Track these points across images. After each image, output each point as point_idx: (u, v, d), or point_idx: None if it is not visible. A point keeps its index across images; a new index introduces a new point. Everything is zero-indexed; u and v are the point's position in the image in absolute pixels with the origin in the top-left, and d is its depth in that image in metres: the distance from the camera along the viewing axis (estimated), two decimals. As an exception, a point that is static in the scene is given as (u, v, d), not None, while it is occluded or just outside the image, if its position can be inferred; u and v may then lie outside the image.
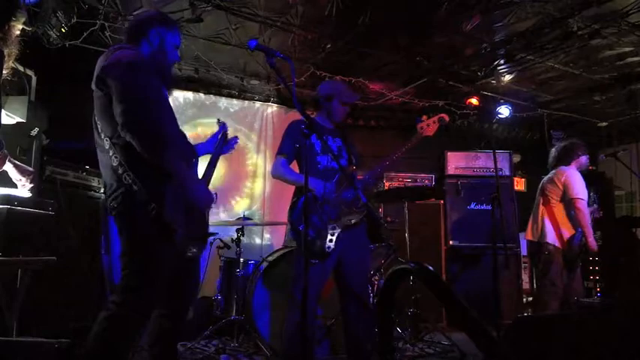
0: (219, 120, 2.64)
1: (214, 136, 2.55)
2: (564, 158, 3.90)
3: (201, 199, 2.03)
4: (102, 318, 1.83)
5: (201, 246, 2.11)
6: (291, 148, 2.82)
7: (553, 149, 4.06)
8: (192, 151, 2.22)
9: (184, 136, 2.20)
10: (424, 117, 2.83)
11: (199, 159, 2.40)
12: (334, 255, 2.69)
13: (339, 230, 2.68)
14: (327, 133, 2.89)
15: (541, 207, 3.88)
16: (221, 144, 2.52)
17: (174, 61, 2.22)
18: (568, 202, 3.70)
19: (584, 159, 3.90)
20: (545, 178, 3.96)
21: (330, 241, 2.64)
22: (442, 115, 2.84)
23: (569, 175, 3.75)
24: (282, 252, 3.77)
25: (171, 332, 2.12)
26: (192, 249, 2.01)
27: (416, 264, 1.14)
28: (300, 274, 2.43)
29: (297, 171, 2.88)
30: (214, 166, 2.42)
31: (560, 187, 3.76)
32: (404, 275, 1.14)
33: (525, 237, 4.04)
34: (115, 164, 1.90)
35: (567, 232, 3.74)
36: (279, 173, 2.82)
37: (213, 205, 2.25)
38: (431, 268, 1.11)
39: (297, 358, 2.53)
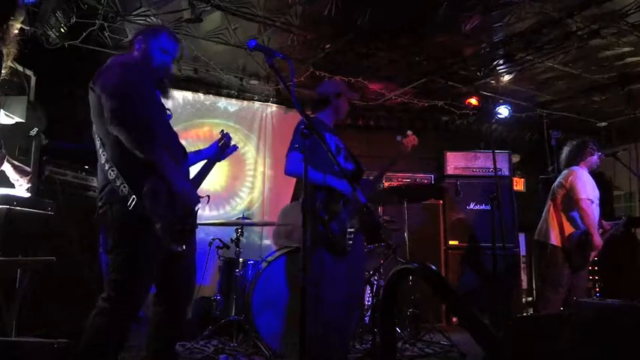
0: (222, 131, 2.66)
1: (214, 143, 2.59)
2: (574, 158, 3.85)
3: (186, 194, 2.02)
4: (93, 315, 1.88)
5: (187, 239, 2.07)
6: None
7: (564, 149, 3.99)
8: (183, 152, 2.23)
9: (175, 136, 2.22)
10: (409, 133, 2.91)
11: (195, 165, 2.46)
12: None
13: (354, 229, 2.74)
14: (331, 132, 2.92)
15: (549, 207, 3.86)
16: (218, 153, 2.58)
17: (164, 64, 2.23)
18: (573, 203, 3.67)
19: (594, 158, 3.83)
20: (557, 180, 3.91)
21: (350, 240, 2.68)
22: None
23: (575, 176, 3.71)
24: (281, 252, 3.77)
25: (169, 329, 2.13)
26: (177, 244, 1.98)
27: (418, 263, 1.15)
28: (323, 272, 2.52)
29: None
30: (207, 172, 2.45)
31: (567, 187, 3.73)
32: (406, 275, 1.15)
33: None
34: (102, 162, 1.96)
35: (571, 232, 3.72)
36: (296, 169, 2.62)
37: (205, 206, 2.26)
38: (433, 267, 1.12)
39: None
